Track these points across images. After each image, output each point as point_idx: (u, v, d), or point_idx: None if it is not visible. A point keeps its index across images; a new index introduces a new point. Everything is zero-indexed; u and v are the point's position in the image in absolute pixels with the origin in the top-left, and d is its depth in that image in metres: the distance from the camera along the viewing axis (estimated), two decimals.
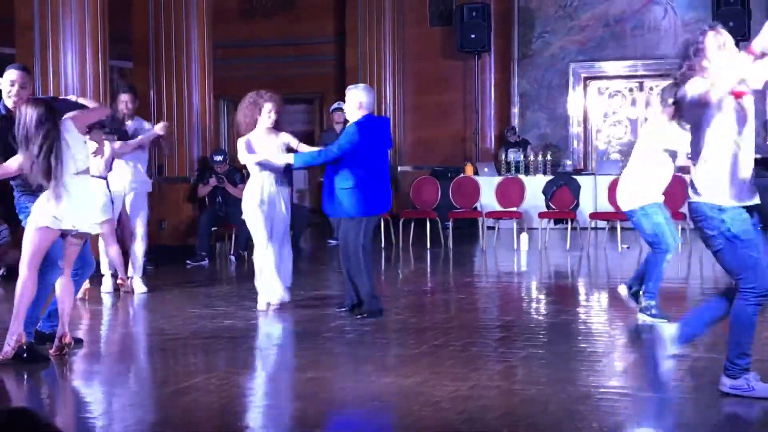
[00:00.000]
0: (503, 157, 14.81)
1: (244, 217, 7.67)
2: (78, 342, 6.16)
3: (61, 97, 7.07)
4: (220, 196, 11.54)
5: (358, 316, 7.11)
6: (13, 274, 6.04)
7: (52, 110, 5.70)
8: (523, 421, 4.53)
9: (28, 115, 5.60)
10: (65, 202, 5.64)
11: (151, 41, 11.64)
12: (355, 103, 7.30)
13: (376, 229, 7.82)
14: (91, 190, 5.95)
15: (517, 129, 15.76)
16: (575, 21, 16.04)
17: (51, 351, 5.84)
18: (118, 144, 8.50)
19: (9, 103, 6.03)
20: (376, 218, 7.41)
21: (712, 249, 4.72)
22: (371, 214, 7.29)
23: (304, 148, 7.75)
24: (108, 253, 8.43)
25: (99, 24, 9.75)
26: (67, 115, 5.80)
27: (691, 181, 4.74)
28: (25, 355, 5.64)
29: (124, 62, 12.85)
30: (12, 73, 6.04)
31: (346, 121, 11.97)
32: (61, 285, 5.88)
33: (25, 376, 5.55)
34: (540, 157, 14.66)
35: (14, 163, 5.74)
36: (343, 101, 7.52)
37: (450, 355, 5.90)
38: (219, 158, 11.55)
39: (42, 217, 5.66)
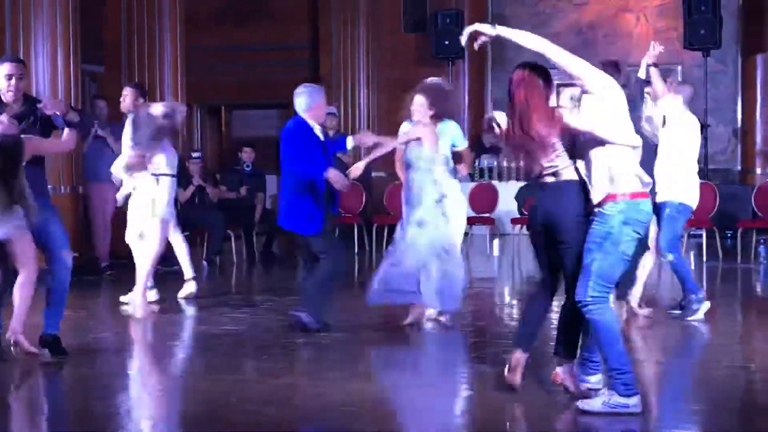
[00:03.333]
0: (476, 162, 14.80)
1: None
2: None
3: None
4: (197, 199, 11.43)
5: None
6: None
7: None
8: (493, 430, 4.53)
9: None
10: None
11: (123, 45, 11.57)
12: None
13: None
14: None
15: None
16: (548, 28, 16.09)
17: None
18: None
19: (8, 97, 5.78)
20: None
21: None
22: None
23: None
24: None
25: (70, 28, 9.68)
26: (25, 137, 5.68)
27: None
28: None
29: (96, 66, 12.76)
30: (7, 67, 5.80)
31: (335, 126, 11.98)
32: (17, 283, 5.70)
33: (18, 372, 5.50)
34: (513, 164, 14.68)
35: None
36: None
37: (422, 361, 5.89)
38: (196, 155, 11.59)
39: None
